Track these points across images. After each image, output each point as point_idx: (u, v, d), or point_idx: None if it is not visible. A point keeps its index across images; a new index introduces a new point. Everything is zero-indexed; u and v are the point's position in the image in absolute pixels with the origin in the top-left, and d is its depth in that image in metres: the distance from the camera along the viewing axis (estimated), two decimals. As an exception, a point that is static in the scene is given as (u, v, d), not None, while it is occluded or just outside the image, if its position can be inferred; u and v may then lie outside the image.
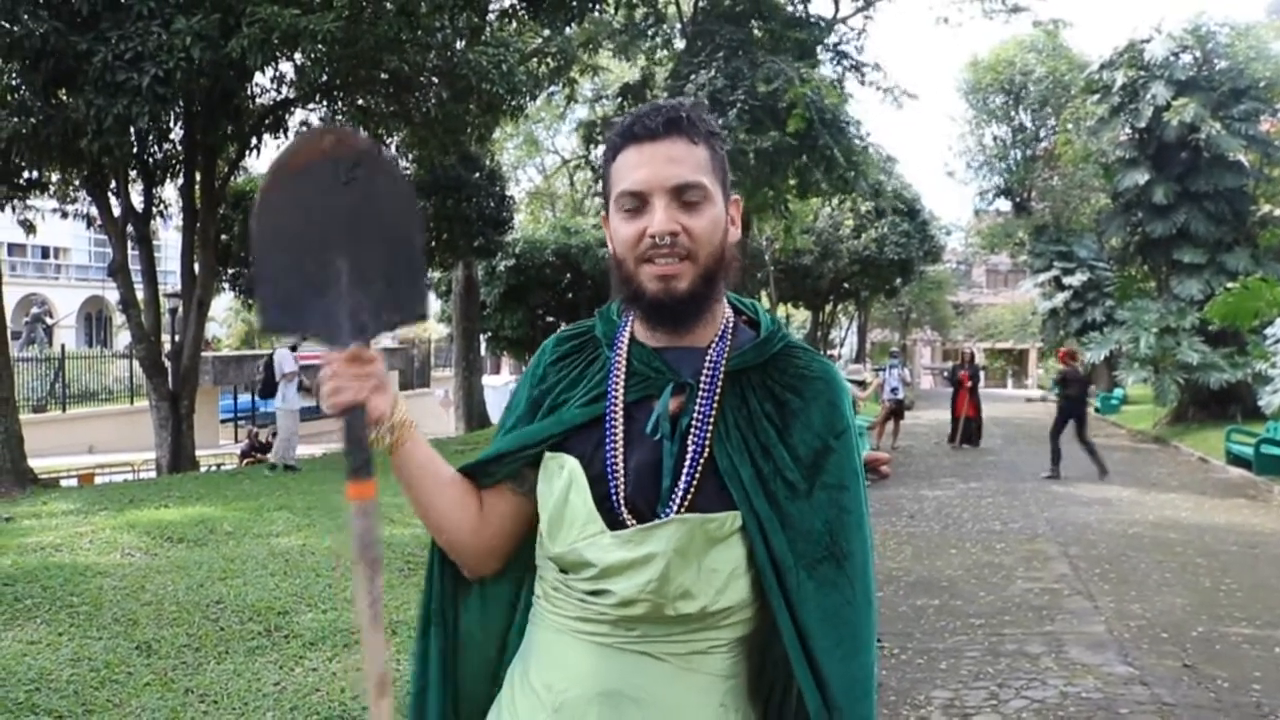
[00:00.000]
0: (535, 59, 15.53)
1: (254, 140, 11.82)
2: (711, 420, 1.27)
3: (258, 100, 11.89)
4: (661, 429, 1.27)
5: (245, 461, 15.94)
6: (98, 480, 14.01)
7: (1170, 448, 16.98)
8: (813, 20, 17.16)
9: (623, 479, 1.26)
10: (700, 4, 16.48)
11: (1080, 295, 25.42)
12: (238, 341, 35.89)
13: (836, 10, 18.30)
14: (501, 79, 11.10)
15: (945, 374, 30.41)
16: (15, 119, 9.36)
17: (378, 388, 1.22)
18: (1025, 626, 5.77)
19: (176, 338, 13.17)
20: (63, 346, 23.73)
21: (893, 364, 17.32)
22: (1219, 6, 55.75)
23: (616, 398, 1.30)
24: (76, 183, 12.51)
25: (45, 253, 42.28)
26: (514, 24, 12.69)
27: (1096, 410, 23.25)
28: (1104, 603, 6.31)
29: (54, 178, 12.59)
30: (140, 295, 12.06)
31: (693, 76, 14.45)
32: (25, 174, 11.47)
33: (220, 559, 5.42)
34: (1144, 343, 18.10)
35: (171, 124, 10.52)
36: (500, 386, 27.08)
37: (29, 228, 13.14)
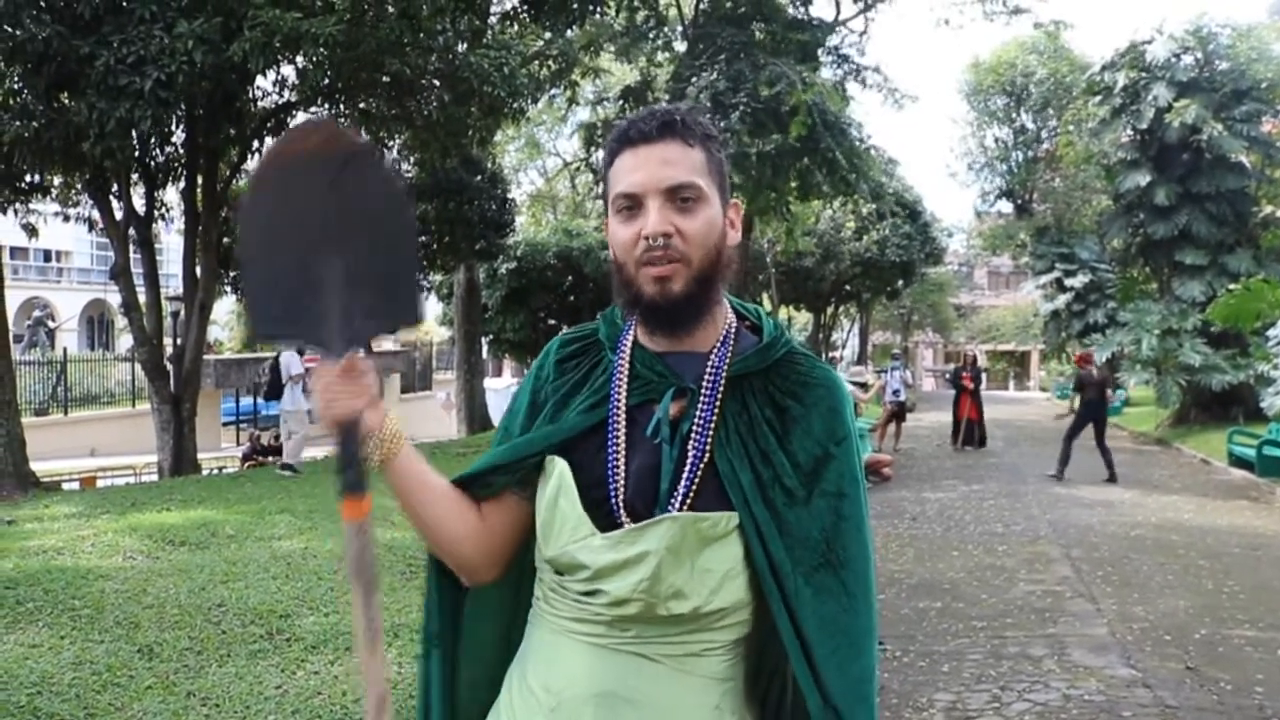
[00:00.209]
0: (537, 62, 15.54)
1: (256, 143, 11.80)
2: (712, 425, 1.27)
3: (259, 103, 11.90)
4: (662, 433, 1.27)
5: (247, 465, 15.94)
6: (100, 483, 14.00)
7: (1172, 449, 16.97)
8: (814, 22, 17.16)
9: (623, 482, 1.26)
10: (701, 6, 16.47)
11: (1082, 297, 25.43)
12: (239, 345, 35.86)
13: (838, 12, 18.32)
14: (503, 82, 11.11)
15: (947, 376, 30.37)
16: (18, 122, 9.36)
17: (371, 401, 1.21)
18: (1027, 629, 5.76)
19: (178, 341, 13.19)
20: (65, 350, 23.69)
21: (894, 366, 17.27)
22: (1220, 8, 55.87)
23: (619, 401, 1.30)
24: (78, 186, 12.50)
25: (47, 256, 42.23)
26: (515, 27, 12.71)
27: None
28: (1106, 605, 6.30)
29: (56, 181, 12.58)
30: (142, 298, 12.05)
31: (694, 79, 14.43)
32: (27, 177, 11.46)
33: (222, 562, 5.42)
34: (1146, 344, 18.08)
35: (173, 127, 10.51)
36: (502, 389, 27.05)
37: (31, 231, 13.13)
